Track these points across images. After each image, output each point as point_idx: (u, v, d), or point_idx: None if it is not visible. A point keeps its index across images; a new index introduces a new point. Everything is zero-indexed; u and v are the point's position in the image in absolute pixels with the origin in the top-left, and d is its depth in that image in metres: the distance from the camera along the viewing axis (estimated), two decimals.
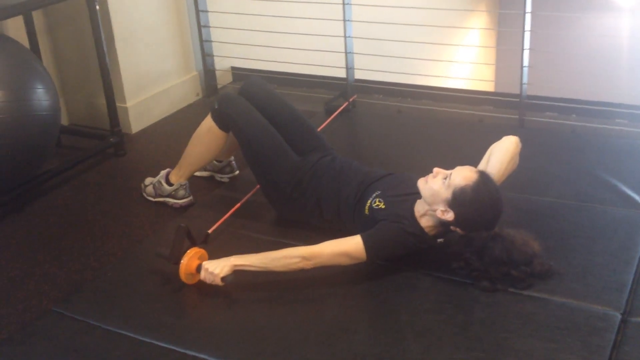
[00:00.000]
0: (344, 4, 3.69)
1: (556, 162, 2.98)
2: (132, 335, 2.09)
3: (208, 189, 3.03)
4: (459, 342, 1.96)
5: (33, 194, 3.05)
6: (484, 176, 2.19)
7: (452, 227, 2.21)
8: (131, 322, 2.15)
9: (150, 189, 2.96)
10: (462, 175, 2.16)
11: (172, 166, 2.92)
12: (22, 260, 2.62)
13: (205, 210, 2.76)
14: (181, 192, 2.88)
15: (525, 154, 2.91)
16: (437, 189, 2.17)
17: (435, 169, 2.22)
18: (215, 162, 3.06)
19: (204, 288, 2.24)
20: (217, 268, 2.17)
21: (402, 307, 2.14)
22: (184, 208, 2.87)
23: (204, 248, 2.32)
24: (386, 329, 2.04)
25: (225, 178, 3.09)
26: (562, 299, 2.09)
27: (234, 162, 3.09)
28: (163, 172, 2.93)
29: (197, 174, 3.03)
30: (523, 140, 3.17)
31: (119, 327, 2.12)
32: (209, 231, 2.53)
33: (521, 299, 2.10)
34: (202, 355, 1.99)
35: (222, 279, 2.17)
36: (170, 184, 2.89)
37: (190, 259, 2.23)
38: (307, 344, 2.00)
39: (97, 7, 3.22)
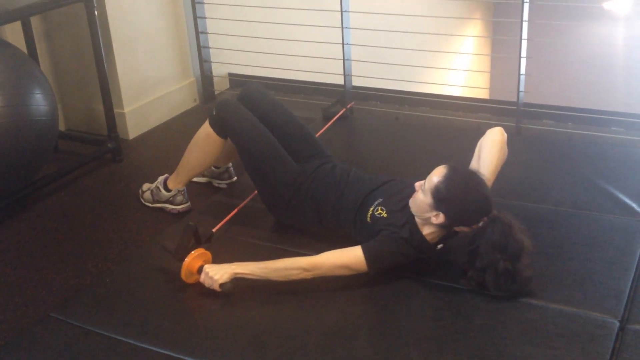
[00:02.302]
0: (342, 11, 3.71)
1: (553, 170, 2.99)
2: (130, 341, 2.08)
3: (206, 195, 3.03)
4: (459, 348, 1.96)
5: (30, 199, 3.04)
6: (451, 167, 2.19)
7: (456, 228, 2.22)
8: (130, 328, 2.14)
9: (148, 194, 2.96)
10: (433, 176, 2.18)
11: (170, 172, 2.92)
12: (19, 265, 2.61)
13: (203, 216, 2.76)
14: (179, 198, 2.88)
15: (522, 162, 2.93)
16: (420, 199, 2.19)
17: (416, 184, 2.25)
18: (213, 168, 3.06)
19: (204, 293, 2.24)
20: (217, 274, 2.18)
21: (402, 313, 2.14)
22: (181, 214, 2.87)
23: (208, 247, 2.35)
24: (386, 336, 2.04)
25: (223, 184, 3.10)
26: (560, 306, 2.10)
27: (231, 169, 3.09)
28: (161, 178, 2.92)
29: (195, 180, 3.03)
30: (520, 148, 3.19)
31: (118, 333, 2.12)
32: (214, 230, 2.55)
33: (520, 306, 2.10)
34: None
35: (221, 285, 2.18)
36: (168, 190, 2.88)
37: (193, 259, 2.26)
38: (307, 350, 2.00)
39: (96, 12, 3.22)
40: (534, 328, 2.02)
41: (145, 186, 3.01)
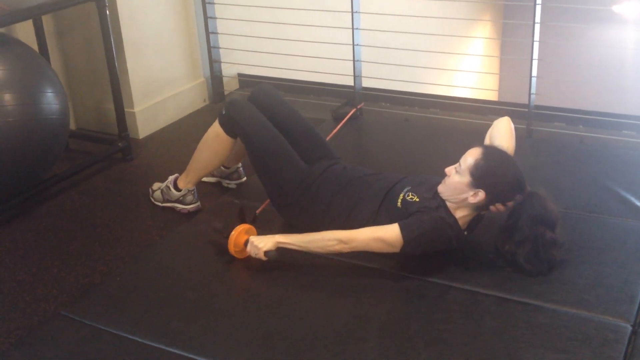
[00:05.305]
0: (352, 12, 3.70)
1: (565, 173, 2.97)
2: (141, 340, 2.08)
3: (215, 194, 3.03)
4: (470, 351, 1.96)
5: (41, 198, 3.05)
6: (486, 146, 2.31)
7: (492, 208, 2.26)
8: (140, 327, 2.14)
9: (158, 194, 2.97)
10: (469, 156, 2.25)
11: (180, 171, 2.92)
12: (30, 264, 2.62)
13: (213, 216, 2.76)
14: (189, 198, 2.89)
15: (533, 164, 2.91)
16: (456, 181, 2.24)
17: (446, 169, 2.31)
18: (222, 168, 3.07)
19: (214, 293, 2.24)
20: (262, 242, 2.30)
21: (413, 315, 2.13)
22: (191, 213, 2.87)
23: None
24: (396, 338, 2.03)
25: (232, 184, 3.10)
26: (572, 309, 2.08)
27: (241, 169, 3.09)
28: (171, 178, 2.93)
29: (205, 179, 3.04)
30: (531, 151, 3.17)
31: (128, 332, 2.12)
32: (257, 212, 2.66)
33: (531, 309, 2.10)
34: None
35: (265, 253, 2.30)
36: (178, 190, 2.89)
37: (239, 233, 2.38)
38: (317, 352, 2.00)
39: (108, 12, 3.22)
40: (546, 331, 2.01)
41: (156, 185, 3.01)
